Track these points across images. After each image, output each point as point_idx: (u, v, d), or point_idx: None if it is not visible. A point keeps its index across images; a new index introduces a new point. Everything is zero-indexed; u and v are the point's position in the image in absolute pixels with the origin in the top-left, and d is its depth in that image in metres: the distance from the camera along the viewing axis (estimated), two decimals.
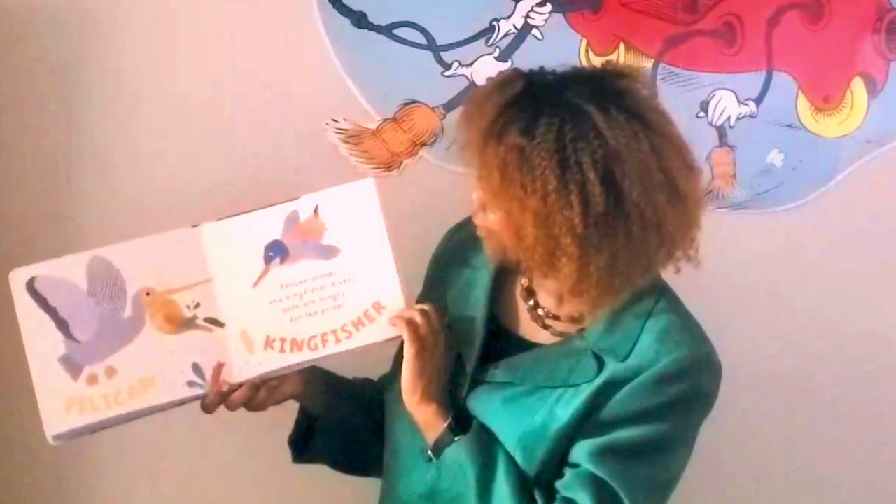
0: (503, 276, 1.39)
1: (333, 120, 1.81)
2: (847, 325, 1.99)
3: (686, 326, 1.30)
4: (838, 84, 1.91)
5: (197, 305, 1.32)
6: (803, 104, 1.91)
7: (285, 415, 1.47)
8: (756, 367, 1.96)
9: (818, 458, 2.02)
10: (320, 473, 1.53)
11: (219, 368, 1.32)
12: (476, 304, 1.37)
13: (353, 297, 1.33)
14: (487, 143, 1.20)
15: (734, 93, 1.88)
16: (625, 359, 1.26)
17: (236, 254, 1.33)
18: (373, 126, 1.82)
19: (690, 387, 1.26)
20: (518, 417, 1.28)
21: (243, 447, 1.82)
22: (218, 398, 1.31)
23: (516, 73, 1.26)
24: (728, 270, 1.92)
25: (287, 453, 1.50)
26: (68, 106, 1.76)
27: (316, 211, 1.33)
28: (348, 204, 1.33)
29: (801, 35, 1.88)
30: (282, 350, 1.33)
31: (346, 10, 1.77)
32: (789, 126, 1.91)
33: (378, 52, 1.78)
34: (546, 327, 1.34)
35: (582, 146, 1.17)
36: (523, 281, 1.37)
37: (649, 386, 1.24)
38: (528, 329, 1.36)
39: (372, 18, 1.78)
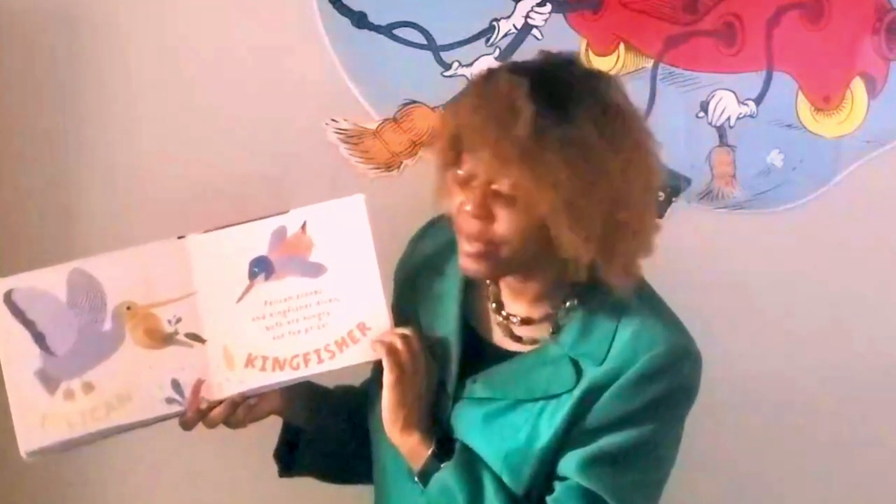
0: (473, 283, 1.36)
1: (333, 120, 1.81)
2: (847, 325, 1.99)
3: (661, 320, 1.28)
4: (838, 84, 1.91)
5: (178, 320, 1.29)
6: (803, 104, 1.90)
7: (273, 427, 1.46)
8: (755, 366, 1.96)
9: (816, 457, 2.02)
10: (311, 484, 1.52)
11: (198, 385, 1.29)
12: (449, 317, 1.34)
13: (337, 316, 1.30)
14: (535, 144, 1.16)
15: (734, 93, 1.88)
16: (602, 362, 1.24)
17: (221, 268, 1.30)
18: (373, 126, 1.81)
19: (672, 382, 1.24)
20: (501, 435, 1.26)
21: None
22: (196, 416, 1.29)
23: (507, 67, 1.26)
24: (728, 270, 1.93)
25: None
26: (67, 105, 1.76)
27: (304, 227, 1.30)
28: (337, 221, 1.31)
29: (801, 35, 1.88)
30: (263, 368, 1.30)
31: (346, 10, 1.77)
32: (789, 126, 1.91)
33: (378, 52, 1.78)
34: (518, 339, 1.32)
35: (617, 121, 1.20)
36: (490, 294, 1.35)
37: (630, 388, 1.23)
38: (504, 337, 1.34)
39: (372, 18, 1.77)
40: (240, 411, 1.31)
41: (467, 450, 1.28)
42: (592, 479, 1.22)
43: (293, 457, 1.45)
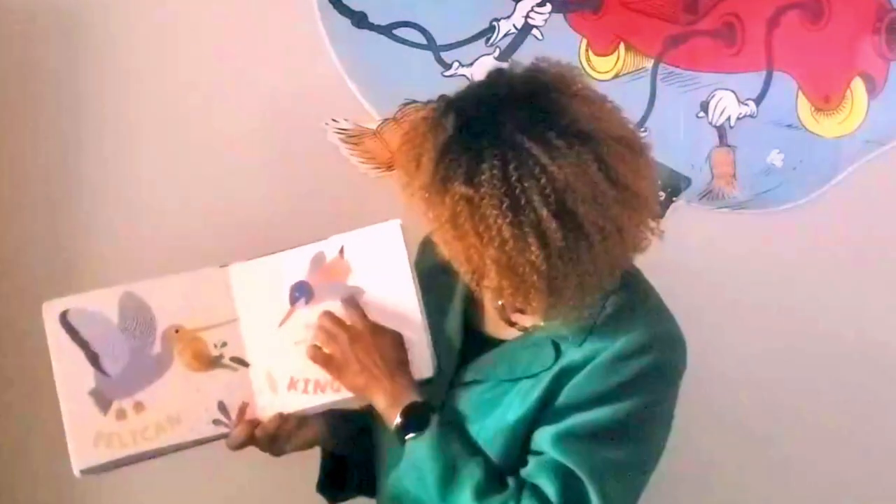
0: None
1: (333, 120, 1.81)
2: (846, 325, 1.99)
3: (642, 305, 1.27)
4: (838, 84, 1.91)
5: (224, 344, 1.32)
6: (803, 104, 1.91)
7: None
8: (755, 366, 1.96)
9: (815, 456, 2.02)
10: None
11: (244, 408, 1.32)
12: (453, 310, 1.36)
13: None
14: (432, 197, 1.18)
15: (734, 93, 1.88)
16: (581, 344, 1.24)
17: (263, 294, 1.33)
18: (373, 126, 1.82)
19: (647, 363, 1.23)
20: (485, 415, 1.27)
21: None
22: (245, 431, 1.31)
23: (444, 106, 1.21)
24: (728, 270, 1.93)
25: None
26: (67, 105, 1.76)
27: (342, 252, 1.32)
28: (374, 246, 1.32)
29: (801, 35, 1.88)
30: (305, 391, 1.32)
31: (346, 10, 1.77)
32: (789, 126, 1.91)
33: (378, 52, 1.78)
34: (512, 324, 1.33)
35: (529, 185, 1.14)
36: None
37: (603, 368, 1.22)
38: (498, 327, 1.34)
39: (372, 18, 1.78)
40: (288, 424, 1.32)
41: (445, 429, 1.27)
42: (565, 454, 1.22)
43: (344, 483, 1.46)
